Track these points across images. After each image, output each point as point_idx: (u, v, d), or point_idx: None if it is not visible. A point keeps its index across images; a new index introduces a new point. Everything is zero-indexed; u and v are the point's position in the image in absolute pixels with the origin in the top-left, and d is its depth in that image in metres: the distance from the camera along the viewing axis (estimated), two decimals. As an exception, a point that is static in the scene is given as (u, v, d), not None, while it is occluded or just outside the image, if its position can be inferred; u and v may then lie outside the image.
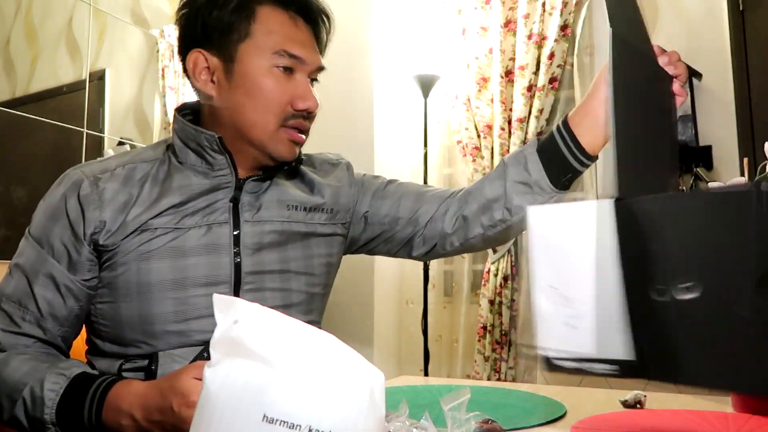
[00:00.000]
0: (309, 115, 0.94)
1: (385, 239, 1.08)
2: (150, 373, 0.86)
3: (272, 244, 0.94)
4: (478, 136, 2.59)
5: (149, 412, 0.72)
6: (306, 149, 1.04)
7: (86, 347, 0.96)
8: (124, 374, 0.88)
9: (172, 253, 0.88)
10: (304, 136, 0.95)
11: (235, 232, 0.92)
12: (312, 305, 1.00)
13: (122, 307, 0.88)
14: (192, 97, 1.00)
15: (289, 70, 0.91)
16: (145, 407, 0.72)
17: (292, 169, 1.00)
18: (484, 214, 1.00)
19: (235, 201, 0.93)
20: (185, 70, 0.94)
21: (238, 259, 0.91)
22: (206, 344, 0.88)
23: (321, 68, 0.98)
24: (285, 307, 0.93)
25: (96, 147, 1.95)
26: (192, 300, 0.88)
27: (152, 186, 0.91)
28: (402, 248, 1.09)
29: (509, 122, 2.53)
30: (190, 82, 0.95)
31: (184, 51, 0.94)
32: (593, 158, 0.92)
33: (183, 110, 0.98)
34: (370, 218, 1.08)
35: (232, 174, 0.93)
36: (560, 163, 0.92)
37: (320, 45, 0.99)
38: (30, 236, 0.90)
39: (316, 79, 0.98)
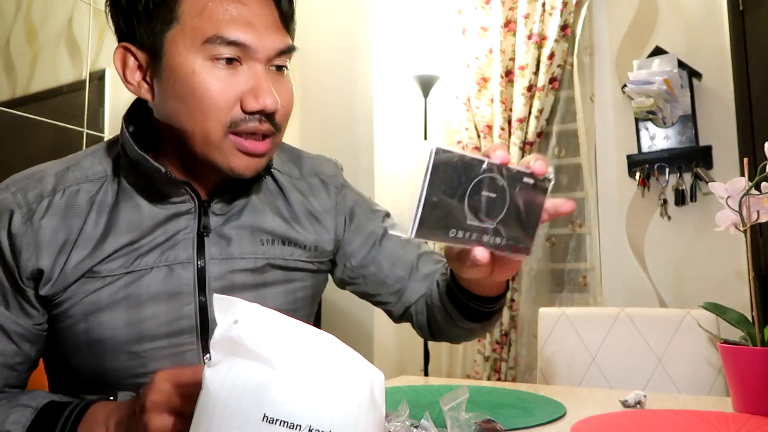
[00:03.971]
0: (268, 117, 0.73)
1: (363, 292, 0.97)
2: None
3: (245, 286, 0.81)
4: (478, 136, 2.59)
5: (121, 417, 0.62)
6: (307, 148, 1.00)
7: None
8: None
9: (126, 303, 0.74)
10: (263, 145, 0.74)
11: (200, 272, 0.77)
12: None
13: (72, 359, 0.77)
14: None
15: (233, 61, 0.71)
16: (119, 413, 0.63)
17: (267, 177, 0.85)
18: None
19: (200, 232, 0.78)
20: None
21: (205, 304, 0.77)
22: None
23: (287, 50, 0.75)
24: None
25: (96, 147, 1.95)
26: (151, 353, 0.76)
27: (98, 216, 0.75)
28: (379, 305, 0.98)
29: (509, 122, 2.53)
30: (126, 87, 0.77)
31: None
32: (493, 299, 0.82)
33: (137, 113, 0.80)
34: (353, 264, 0.93)
35: (193, 200, 0.78)
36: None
37: (286, 19, 0.76)
38: None
39: (284, 66, 0.76)
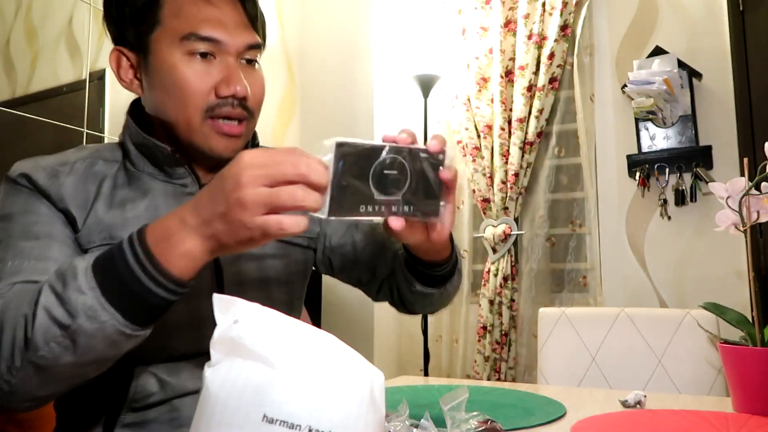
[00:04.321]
0: (240, 102, 0.82)
1: (340, 271, 1.04)
2: (122, 391, 0.79)
3: (251, 254, 0.89)
4: (478, 136, 2.59)
5: (200, 207, 0.60)
6: (307, 148, 1.02)
7: None
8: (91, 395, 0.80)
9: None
10: (237, 128, 0.83)
11: None
12: (291, 315, 0.97)
13: None
14: None
15: (208, 55, 0.81)
16: (196, 204, 0.60)
17: None
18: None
19: None
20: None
21: (220, 270, 0.85)
22: (185, 358, 0.82)
23: (255, 46, 0.85)
24: None
25: (96, 147, 1.95)
26: (171, 314, 0.77)
27: (112, 187, 0.83)
28: (358, 285, 1.06)
29: (509, 122, 2.53)
30: (120, 84, 0.87)
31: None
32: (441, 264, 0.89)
33: (137, 110, 0.89)
34: (331, 244, 1.02)
35: (194, 183, 0.86)
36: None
37: (252, 19, 0.86)
38: (4, 218, 0.78)
39: (254, 60, 0.86)
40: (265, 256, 0.91)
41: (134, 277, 0.60)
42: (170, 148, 0.82)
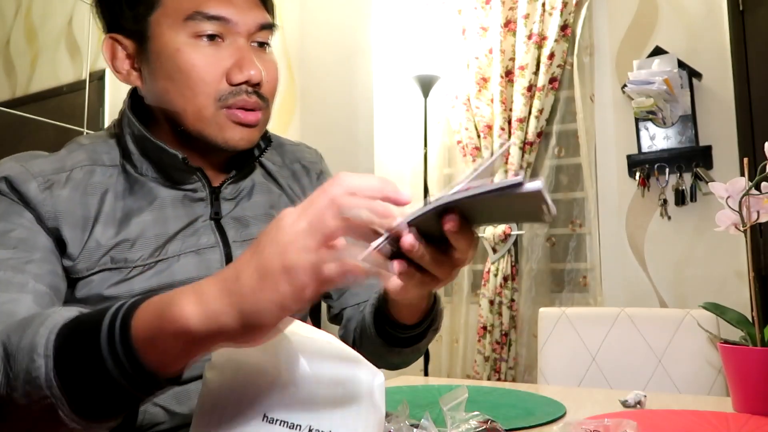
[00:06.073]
0: (255, 88, 0.74)
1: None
2: (128, 418, 0.70)
3: None
4: (478, 136, 2.59)
5: (225, 281, 0.46)
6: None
7: None
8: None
9: (160, 291, 0.67)
10: (254, 115, 0.75)
11: (226, 255, 0.77)
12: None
13: None
14: None
15: (216, 38, 0.73)
16: (218, 277, 0.47)
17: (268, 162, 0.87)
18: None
19: (216, 217, 0.79)
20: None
21: None
22: (194, 379, 0.73)
23: (267, 26, 0.77)
24: None
25: (96, 147, 1.95)
26: None
27: (115, 200, 0.74)
28: (324, 299, 1.02)
29: (509, 122, 2.53)
30: (115, 76, 0.78)
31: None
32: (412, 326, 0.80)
33: (135, 102, 0.79)
34: None
35: (205, 188, 0.78)
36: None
37: None
38: None
39: (266, 43, 0.78)
40: None
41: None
42: (182, 155, 0.73)
